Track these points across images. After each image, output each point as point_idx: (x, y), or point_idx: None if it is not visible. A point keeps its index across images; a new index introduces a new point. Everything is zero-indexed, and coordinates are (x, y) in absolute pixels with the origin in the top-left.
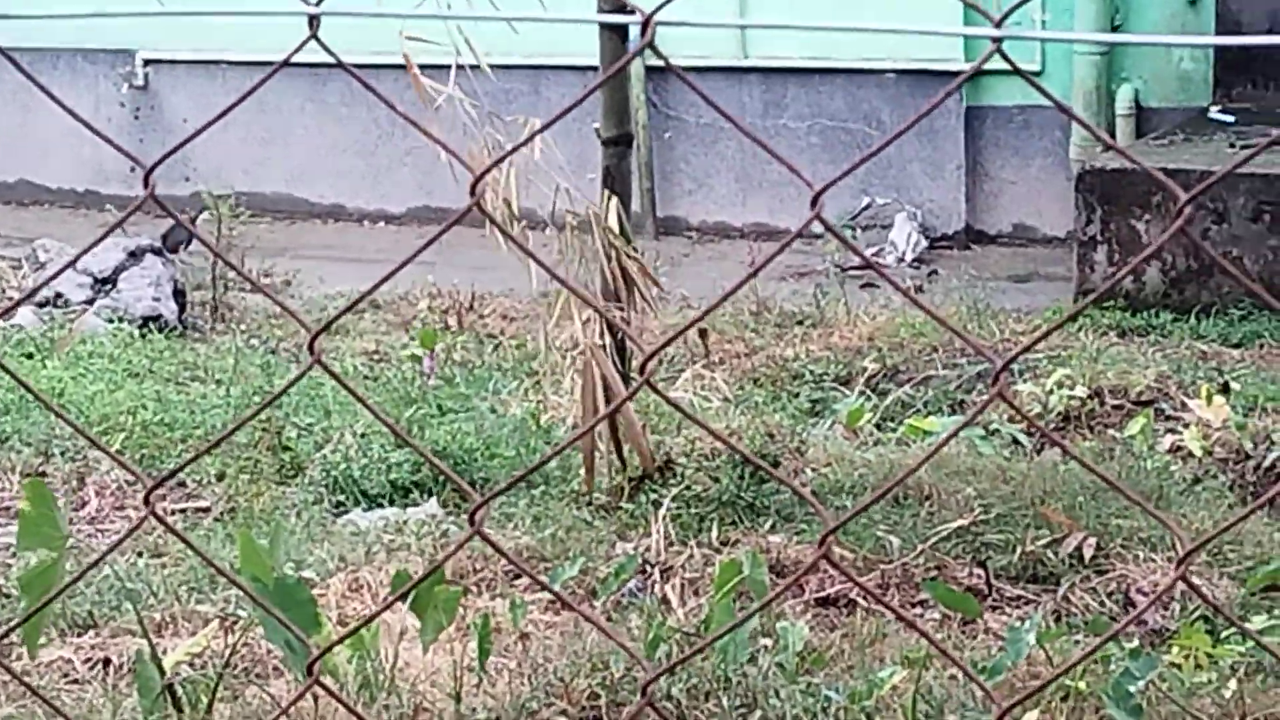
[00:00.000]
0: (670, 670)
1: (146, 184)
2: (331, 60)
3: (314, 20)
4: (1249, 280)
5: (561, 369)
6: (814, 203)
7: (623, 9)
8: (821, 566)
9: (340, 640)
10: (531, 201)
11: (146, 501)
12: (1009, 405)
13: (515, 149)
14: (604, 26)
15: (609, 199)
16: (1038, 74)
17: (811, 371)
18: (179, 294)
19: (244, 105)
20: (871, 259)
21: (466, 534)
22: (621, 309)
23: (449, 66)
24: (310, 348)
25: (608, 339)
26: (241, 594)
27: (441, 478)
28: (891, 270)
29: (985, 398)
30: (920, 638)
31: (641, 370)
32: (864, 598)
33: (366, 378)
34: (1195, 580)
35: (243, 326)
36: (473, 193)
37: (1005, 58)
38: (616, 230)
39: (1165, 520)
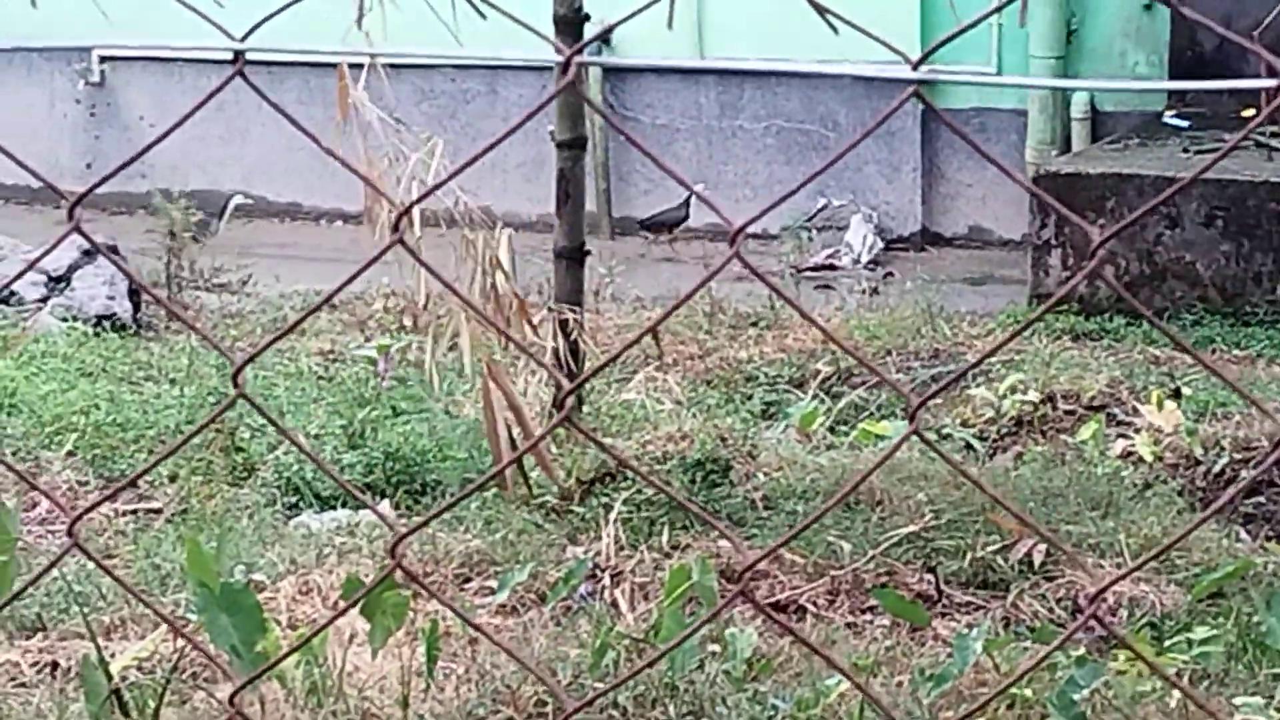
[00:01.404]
0: (600, 695)
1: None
2: (288, 58)
3: (238, 55)
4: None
5: (515, 371)
6: (732, 241)
7: (577, 13)
8: (772, 571)
9: (284, 657)
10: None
11: (70, 533)
12: (924, 442)
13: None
14: (558, 30)
15: (500, 230)
16: (995, 76)
17: (765, 374)
18: (134, 293)
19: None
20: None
21: (389, 567)
22: (575, 311)
23: (405, 66)
24: (234, 380)
25: (560, 340)
26: (191, 597)
27: (394, 479)
28: (847, 271)
29: (942, 408)
30: (869, 645)
31: (560, 405)
32: (813, 603)
33: (321, 378)
34: (1144, 587)
35: (198, 326)
36: (396, 228)
37: (923, 100)
38: (503, 263)
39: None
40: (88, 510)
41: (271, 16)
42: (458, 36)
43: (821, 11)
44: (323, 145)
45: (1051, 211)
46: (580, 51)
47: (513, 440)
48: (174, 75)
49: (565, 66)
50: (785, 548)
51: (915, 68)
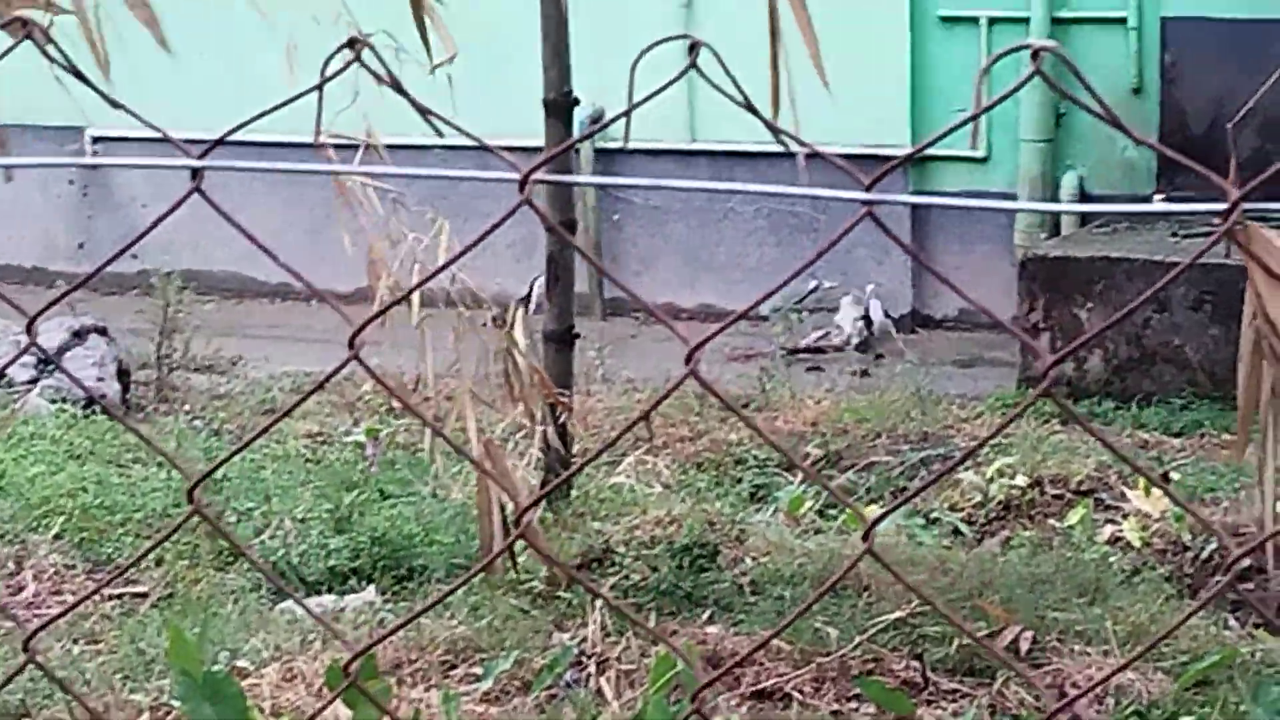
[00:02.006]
0: None
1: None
2: (278, 139)
3: (196, 173)
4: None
5: (502, 455)
6: (688, 359)
7: (567, 96)
8: (758, 658)
9: None
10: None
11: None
12: (880, 563)
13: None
14: (548, 112)
15: (516, 310)
16: (983, 161)
17: (755, 456)
18: (123, 374)
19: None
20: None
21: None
22: (564, 397)
23: (398, 147)
24: (189, 496)
25: (549, 424)
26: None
27: (381, 564)
28: (838, 353)
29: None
30: None
31: (517, 523)
32: (800, 690)
33: (309, 461)
34: (1130, 674)
35: (186, 407)
36: (351, 344)
37: (876, 221)
38: (520, 342)
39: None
40: (44, 626)
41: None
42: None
43: (776, 132)
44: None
45: (1040, 295)
46: (540, 168)
47: (505, 524)
48: (167, 156)
49: (522, 184)
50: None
51: (868, 189)
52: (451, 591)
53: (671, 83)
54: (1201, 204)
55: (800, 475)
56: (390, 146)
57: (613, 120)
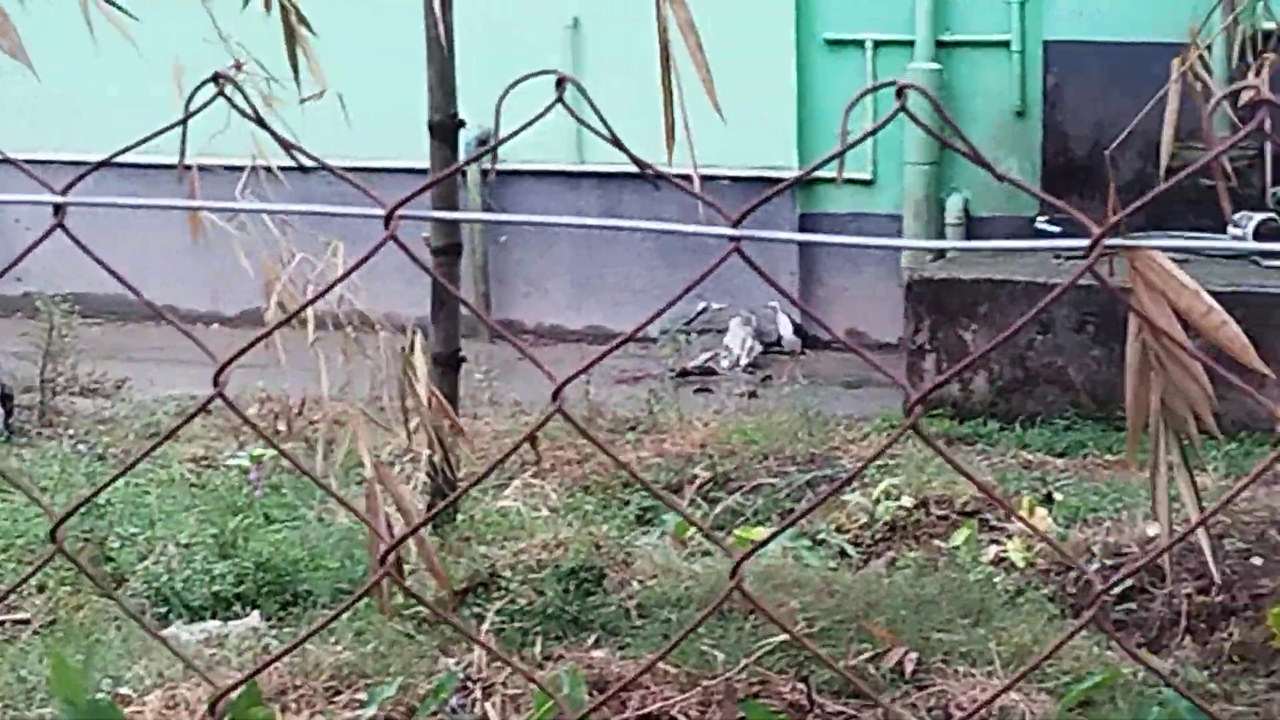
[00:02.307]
0: None
1: None
2: (164, 160)
3: (58, 209)
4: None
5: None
6: (555, 396)
7: (453, 119)
8: (642, 680)
9: None
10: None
11: None
12: (753, 604)
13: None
14: (433, 134)
15: (414, 335)
16: (869, 184)
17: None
18: (5, 398)
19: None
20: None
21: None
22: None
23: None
24: (53, 536)
25: (436, 448)
26: (57, 713)
27: (265, 589)
28: (726, 375)
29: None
30: None
31: (382, 562)
32: (685, 714)
33: (194, 485)
34: (1014, 695)
35: (70, 432)
36: (216, 381)
37: (744, 257)
38: (419, 367)
39: None
40: None
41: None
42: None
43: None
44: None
45: (926, 316)
46: (407, 203)
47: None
48: (50, 177)
49: (387, 220)
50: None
51: (735, 225)
52: (336, 616)
53: (540, 116)
54: (1068, 240)
55: (687, 497)
56: (283, 168)
57: (486, 151)
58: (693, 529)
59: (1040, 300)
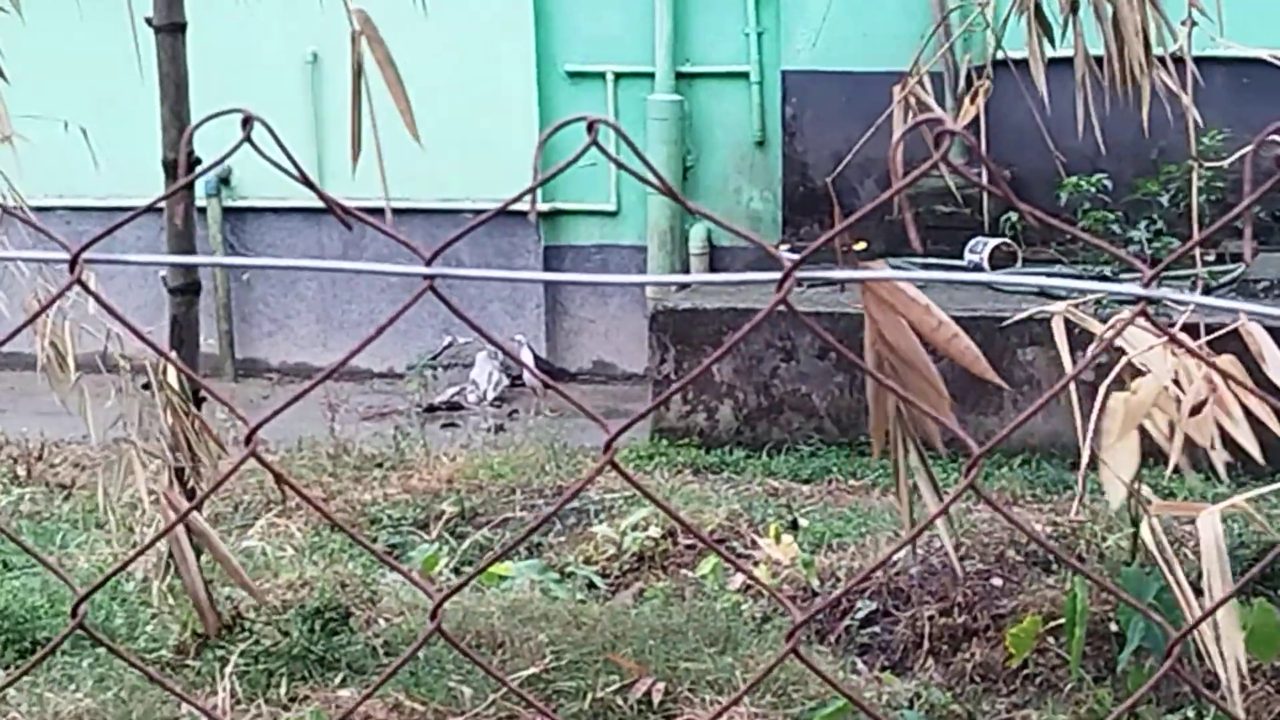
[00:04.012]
0: None
1: None
2: None
3: None
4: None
5: (132, 521)
6: (248, 440)
7: (188, 157)
8: (390, 719)
9: None
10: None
11: None
12: (453, 644)
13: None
14: (167, 172)
15: (173, 355)
16: (613, 215)
17: (389, 516)
18: None
19: None
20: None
21: None
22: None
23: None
24: None
25: (176, 490)
26: None
27: (3, 638)
28: (473, 410)
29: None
30: None
31: (74, 614)
32: None
33: None
34: None
35: None
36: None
37: (438, 295)
38: (178, 389)
39: None
40: None
41: None
42: None
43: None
44: None
45: (671, 346)
46: (94, 245)
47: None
48: None
49: (72, 264)
50: (405, 694)
51: (429, 263)
52: (27, 670)
53: (225, 157)
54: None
55: (435, 533)
56: (8, 210)
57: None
58: (441, 564)
59: (785, 329)
